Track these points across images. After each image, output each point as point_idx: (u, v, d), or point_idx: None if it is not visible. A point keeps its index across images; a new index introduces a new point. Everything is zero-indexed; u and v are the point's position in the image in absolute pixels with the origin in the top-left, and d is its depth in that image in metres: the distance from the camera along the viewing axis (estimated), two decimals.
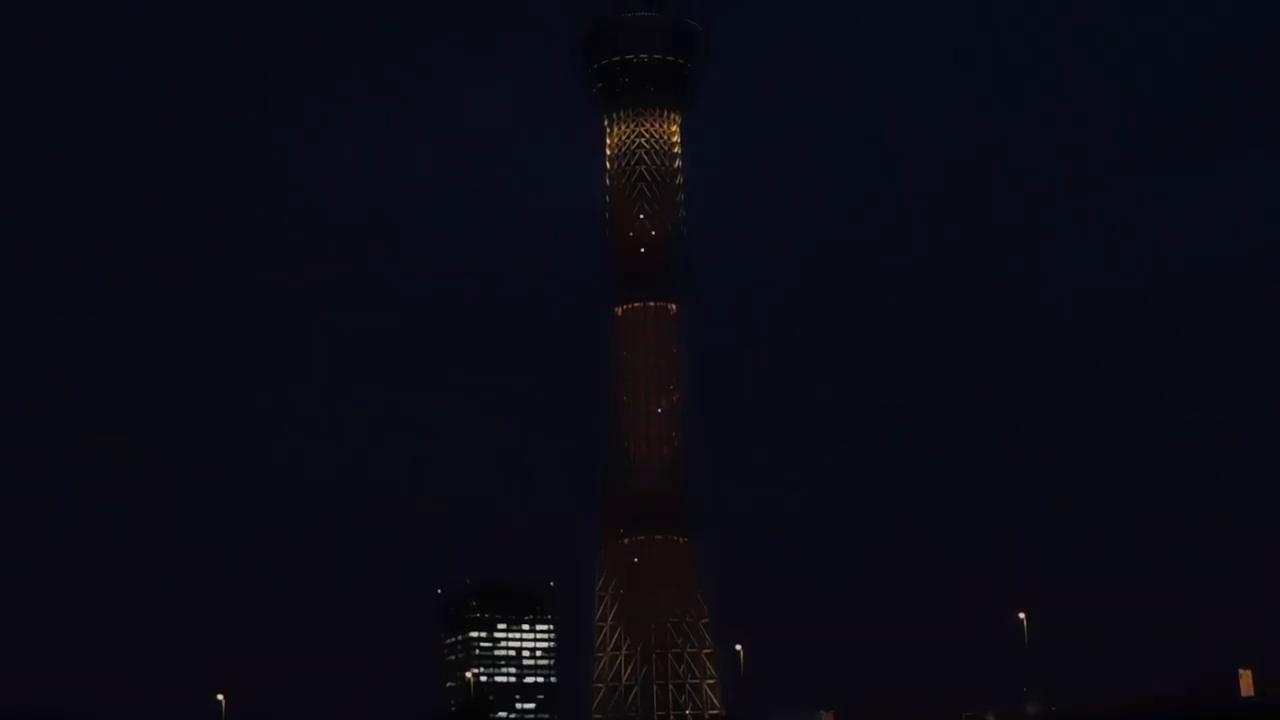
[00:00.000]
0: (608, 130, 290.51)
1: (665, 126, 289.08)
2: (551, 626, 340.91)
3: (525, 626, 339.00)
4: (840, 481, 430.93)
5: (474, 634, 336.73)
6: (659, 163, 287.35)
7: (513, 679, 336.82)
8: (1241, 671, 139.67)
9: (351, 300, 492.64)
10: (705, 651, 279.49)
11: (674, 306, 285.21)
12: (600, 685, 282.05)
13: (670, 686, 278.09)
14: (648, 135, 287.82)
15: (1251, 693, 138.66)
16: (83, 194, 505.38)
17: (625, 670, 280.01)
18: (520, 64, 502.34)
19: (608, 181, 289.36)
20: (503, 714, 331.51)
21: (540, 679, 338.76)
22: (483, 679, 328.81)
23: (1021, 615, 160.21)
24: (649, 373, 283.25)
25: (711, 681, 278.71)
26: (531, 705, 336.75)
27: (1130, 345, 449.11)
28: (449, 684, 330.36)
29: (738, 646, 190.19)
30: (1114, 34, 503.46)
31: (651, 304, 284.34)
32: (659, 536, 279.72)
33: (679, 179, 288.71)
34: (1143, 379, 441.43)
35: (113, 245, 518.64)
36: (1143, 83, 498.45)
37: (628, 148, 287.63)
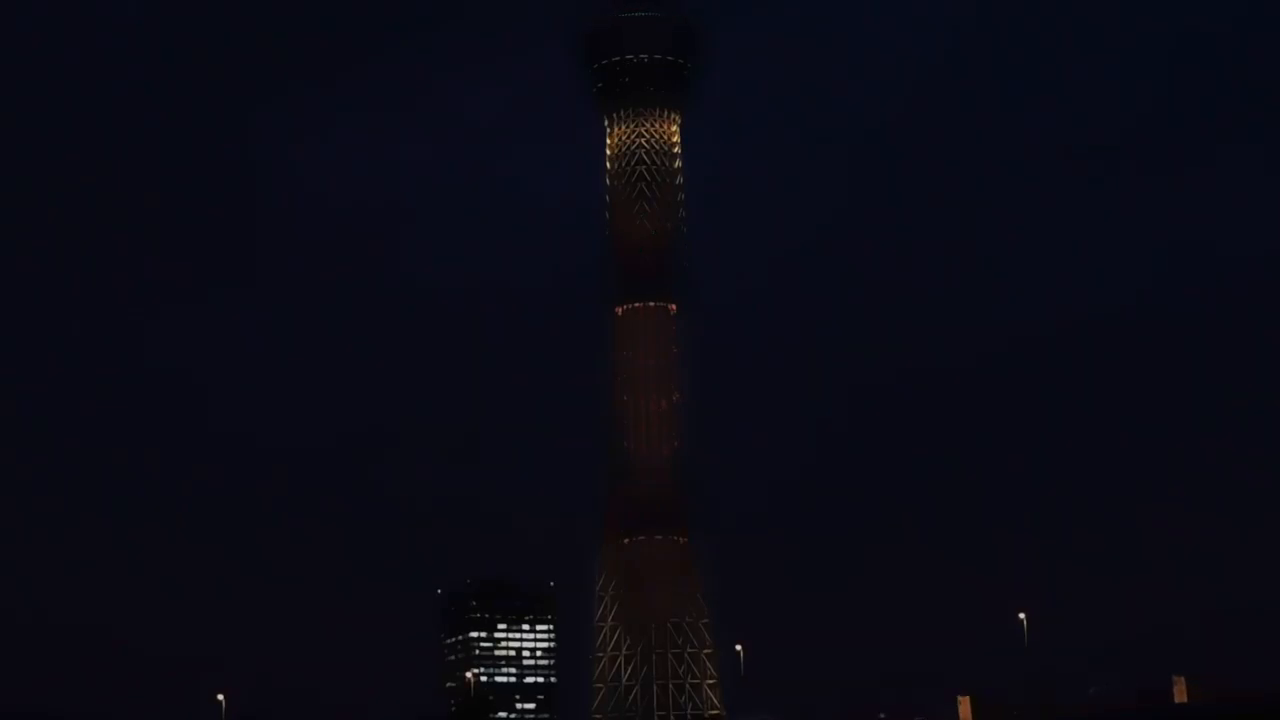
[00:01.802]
0: (608, 130, 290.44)
1: (665, 126, 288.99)
2: (551, 626, 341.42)
3: (525, 626, 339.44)
4: (840, 481, 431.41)
5: (474, 634, 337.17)
6: (659, 163, 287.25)
7: (513, 679, 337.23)
8: (1175, 678, 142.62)
9: (351, 300, 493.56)
10: (705, 651, 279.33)
11: (674, 306, 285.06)
12: (600, 685, 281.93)
13: (670, 686, 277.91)
14: (648, 135, 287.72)
15: (1185, 699, 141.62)
16: (83, 194, 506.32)
17: (625, 670, 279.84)
18: (520, 64, 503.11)
19: (608, 181, 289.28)
20: (503, 714, 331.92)
21: (540, 679, 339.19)
22: (483, 679, 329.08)
23: (1021, 615, 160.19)
24: (649, 373, 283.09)
25: (711, 681, 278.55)
26: (531, 705, 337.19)
27: (1130, 345, 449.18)
28: (449, 684, 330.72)
29: (738, 646, 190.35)
30: (1113, 34, 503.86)
31: (651, 304, 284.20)
32: (659, 536, 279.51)
33: (679, 179, 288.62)
34: (1142, 379, 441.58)
35: (112, 245, 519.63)
36: (1141, 82, 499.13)
37: (628, 148, 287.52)
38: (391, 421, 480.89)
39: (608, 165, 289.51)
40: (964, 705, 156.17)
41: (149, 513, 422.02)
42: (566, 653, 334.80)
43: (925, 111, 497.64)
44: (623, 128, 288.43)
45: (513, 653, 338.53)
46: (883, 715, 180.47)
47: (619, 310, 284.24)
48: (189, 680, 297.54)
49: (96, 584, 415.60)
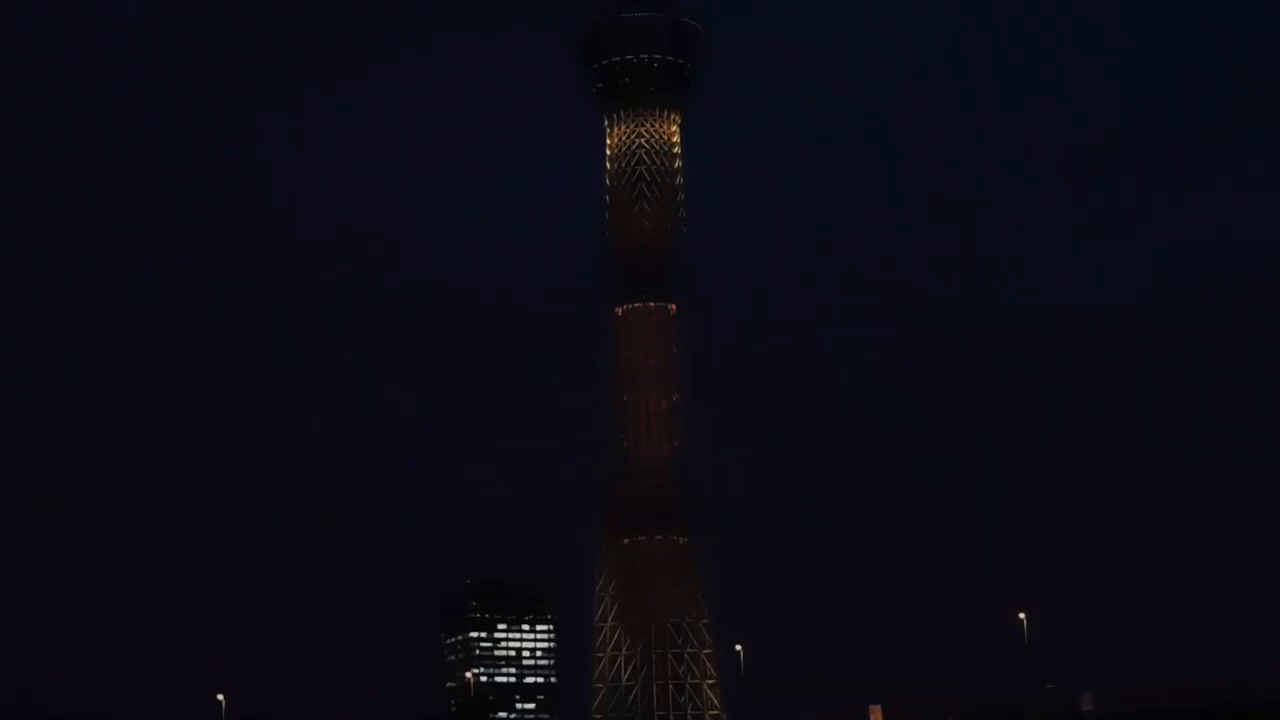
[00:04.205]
0: (608, 130, 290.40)
1: (665, 126, 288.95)
2: (551, 626, 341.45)
3: (525, 626, 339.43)
4: (840, 481, 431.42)
5: (474, 634, 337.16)
6: (659, 163, 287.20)
7: (513, 679, 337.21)
8: (1084, 692, 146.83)
9: (351, 300, 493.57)
10: (705, 651, 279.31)
11: (674, 306, 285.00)
12: (600, 685, 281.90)
13: (670, 686, 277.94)
14: (648, 135, 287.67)
15: (1091, 708, 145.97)
16: (83, 195, 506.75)
17: (625, 670, 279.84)
18: (520, 64, 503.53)
19: (608, 181, 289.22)
20: (503, 714, 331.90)
21: (540, 679, 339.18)
22: (483, 679, 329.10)
23: (1021, 615, 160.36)
24: (649, 373, 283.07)
25: (711, 681, 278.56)
26: (531, 705, 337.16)
27: (1129, 344, 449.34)
28: (449, 684, 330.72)
29: (738, 646, 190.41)
30: (1113, 34, 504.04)
31: (651, 304, 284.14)
32: (659, 536, 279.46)
33: (679, 179, 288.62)
34: (1142, 378, 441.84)
35: (113, 245, 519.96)
36: (1142, 82, 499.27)
37: (628, 148, 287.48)
38: (391, 421, 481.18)
39: (608, 165, 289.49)
40: (875, 714, 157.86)
41: (149, 512, 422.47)
42: (566, 653, 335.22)
43: (925, 111, 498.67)
44: (623, 128, 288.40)
45: (513, 653, 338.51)
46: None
47: (619, 310, 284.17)
48: (189, 680, 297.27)
49: (96, 584, 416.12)
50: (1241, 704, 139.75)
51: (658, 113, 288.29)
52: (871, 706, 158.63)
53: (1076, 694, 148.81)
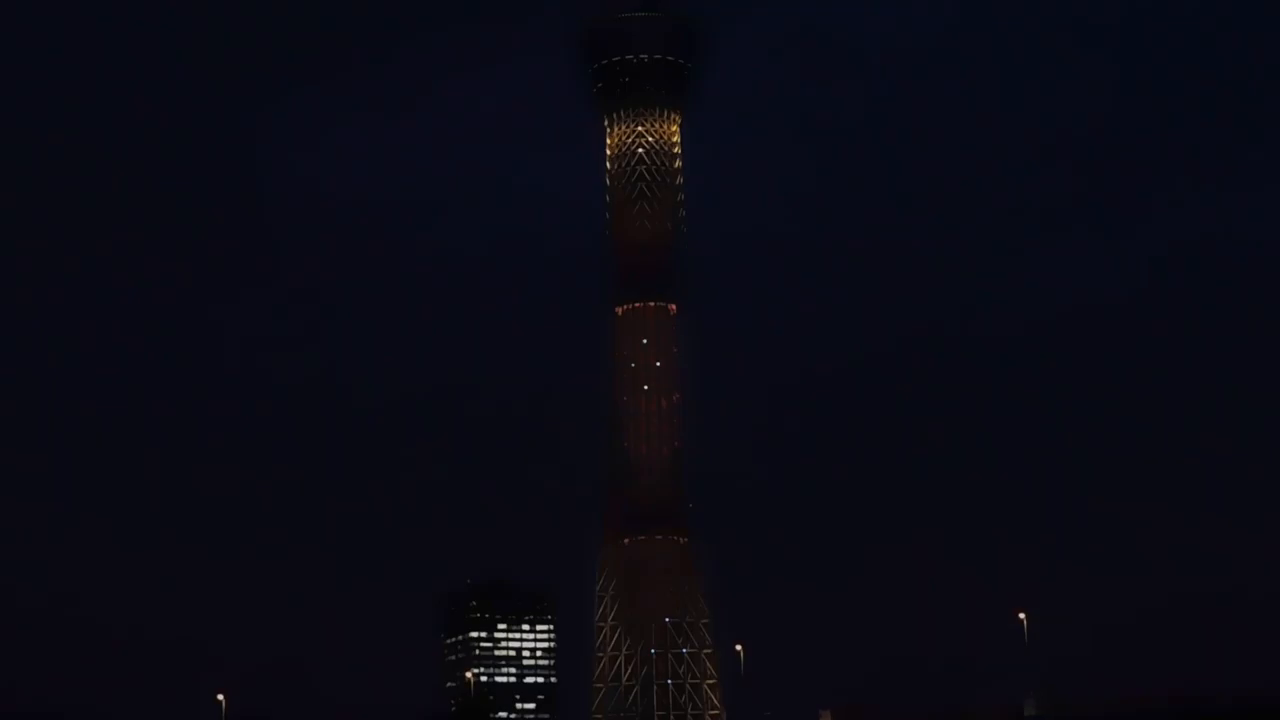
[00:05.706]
0: (608, 130, 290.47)
1: (665, 126, 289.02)
2: (551, 626, 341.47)
3: (525, 626, 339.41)
4: (840, 481, 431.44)
5: (474, 634, 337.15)
6: (659, 163, 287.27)
7: (513, 679, 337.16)
8: (1027, 693, 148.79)
9: (352, 301, 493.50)
10: (705, 651, 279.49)
11: (674, 306, 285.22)
12: (600, 685, 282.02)
13: (670, 686, 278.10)
14: (648, 135, 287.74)
15: (1034, 713, 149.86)
16: (83, 194, 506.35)
17: (625, 670, 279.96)
18: (520, 64, 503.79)
19: (608, 181, 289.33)
20: (503, 714, 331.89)
21: (540, 679, 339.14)
22: (483, 679, 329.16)
23: (1021, 615, 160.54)
24: (649, 373, 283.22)
25: (711, 681, 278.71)
26: (531, 705, 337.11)
27: (1129, 344, 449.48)
28: (449, 684, 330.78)
29: (738, 646, 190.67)
30: (1113, 33, 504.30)
31: (651, 304, 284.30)
32: (659, 536, 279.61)
33: (679, 179, 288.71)
34: (1142, 378, 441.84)
35: (113, 246, 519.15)
36: (1141, 82, 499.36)
37: (628, 148, 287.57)
38: (391, 420, 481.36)
39: (608, 165, 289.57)
40: (825, 719, 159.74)
41: (149, 512, 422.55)
42: (566, 653, 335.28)
43: (925, 110, 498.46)
44: (623, 128, 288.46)
45: (513, 653, 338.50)
46: (768, 714, 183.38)
47: (619, 310, 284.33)
48: (189, 679, 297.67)
49: (96, 584, 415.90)
50: (1187, 710, 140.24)
51: (658, 113, 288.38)
52: (821, 711, 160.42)
53: (1019, 698, 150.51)
